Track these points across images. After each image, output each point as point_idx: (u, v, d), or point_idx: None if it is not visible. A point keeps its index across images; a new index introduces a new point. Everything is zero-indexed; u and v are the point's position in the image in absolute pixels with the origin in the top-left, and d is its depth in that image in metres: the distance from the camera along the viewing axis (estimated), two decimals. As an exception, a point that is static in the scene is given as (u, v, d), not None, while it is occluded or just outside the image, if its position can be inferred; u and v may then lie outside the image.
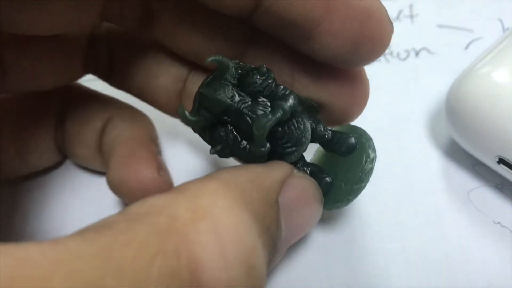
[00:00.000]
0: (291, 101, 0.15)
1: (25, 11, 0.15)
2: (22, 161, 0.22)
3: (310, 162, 0.18)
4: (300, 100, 0.16)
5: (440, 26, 0.27)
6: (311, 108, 0.18)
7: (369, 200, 0.22)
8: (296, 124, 0.16)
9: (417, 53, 0.27)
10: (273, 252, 0.14)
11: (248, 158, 0.16)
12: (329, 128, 0.18)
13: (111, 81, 0.22)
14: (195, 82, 0.20)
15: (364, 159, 0.17)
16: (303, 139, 0.16)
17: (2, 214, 0.23)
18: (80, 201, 0.24)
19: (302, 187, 0.15)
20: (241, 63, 0.16)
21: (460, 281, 0.20)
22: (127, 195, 0.20)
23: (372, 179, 0.17)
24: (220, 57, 0.15)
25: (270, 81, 0.16)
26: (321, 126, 0.17)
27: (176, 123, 0.22)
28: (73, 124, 0.22)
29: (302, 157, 0.17)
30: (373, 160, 0.17)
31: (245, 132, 0.16)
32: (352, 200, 0.17)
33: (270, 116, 0.15)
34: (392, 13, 0.28)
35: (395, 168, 0.23)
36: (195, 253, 0.11)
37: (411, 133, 0.24)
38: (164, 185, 0.20)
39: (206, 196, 0.12)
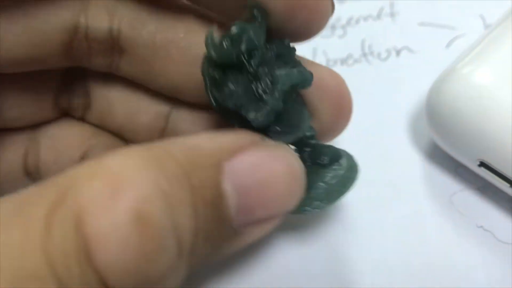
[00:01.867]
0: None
1: None
2: None
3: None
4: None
5: (421, 24, 0.27)
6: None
7: (350, 205, 0.22)
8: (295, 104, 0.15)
9: (398, 53, 0.26)
10: (217, 219, 0.12)
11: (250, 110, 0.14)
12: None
13: (87, 119, 0.21)
14: (178, 119, 0.19)
15: (347, 166, 0.17)
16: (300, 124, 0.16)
17: None
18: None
19: (268, 153, 0.14)
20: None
21: (443, 285, 0.20)
22: None
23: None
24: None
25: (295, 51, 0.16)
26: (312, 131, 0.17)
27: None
28: (48, 152, 0.21)
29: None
30: (353, 170, 0.17)
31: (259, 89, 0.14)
32: (331, 203, 0.16)
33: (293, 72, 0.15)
34: (372, 11, 0.28)
35: (375, 172, 0.23)
36: (80, 202, 0.10)
37: (392, 135, 0.24)
38: None
39: (110, 156, 0.11)
